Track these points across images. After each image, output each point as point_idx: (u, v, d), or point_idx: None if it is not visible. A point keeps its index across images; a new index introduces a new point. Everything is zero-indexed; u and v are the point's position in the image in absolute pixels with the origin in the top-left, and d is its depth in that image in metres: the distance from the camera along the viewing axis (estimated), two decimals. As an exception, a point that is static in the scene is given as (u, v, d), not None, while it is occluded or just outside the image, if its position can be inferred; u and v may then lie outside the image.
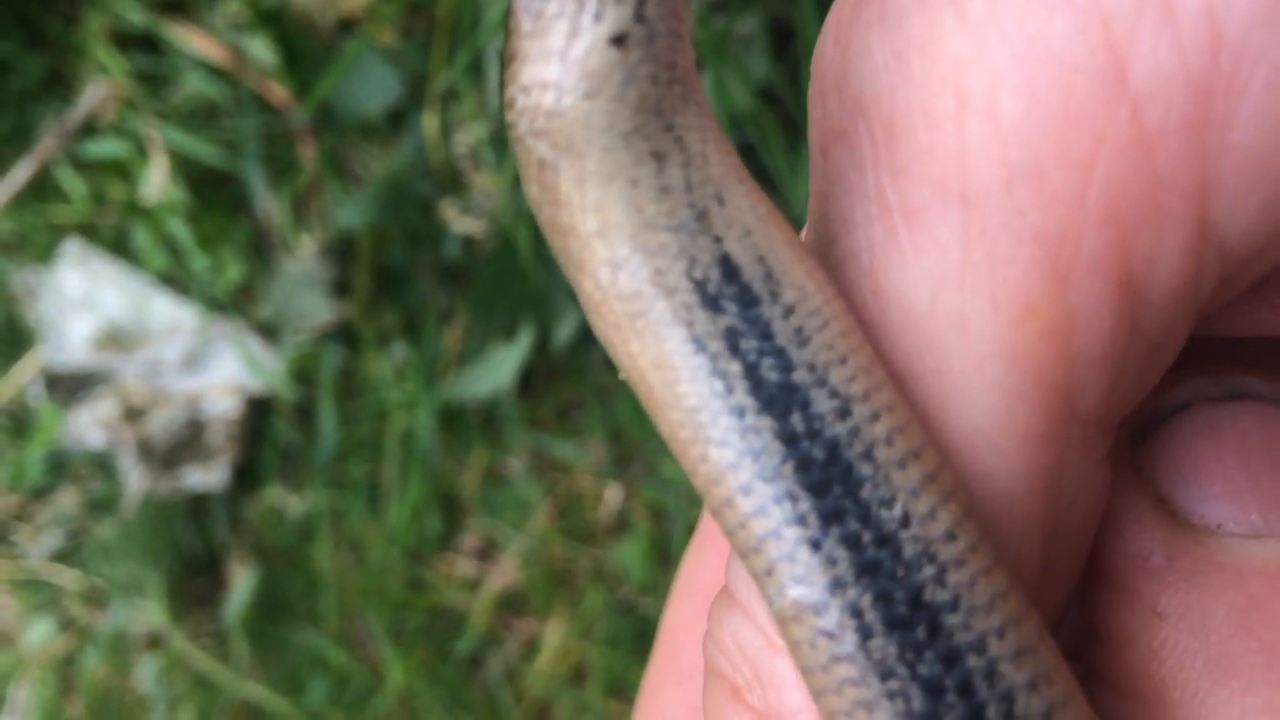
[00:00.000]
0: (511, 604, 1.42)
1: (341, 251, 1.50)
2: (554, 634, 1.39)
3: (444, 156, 1.43)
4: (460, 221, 1.43)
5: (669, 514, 1.37)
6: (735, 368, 0.22)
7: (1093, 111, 0.20)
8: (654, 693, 0.38)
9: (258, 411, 1.56)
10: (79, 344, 1.60)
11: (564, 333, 1.37)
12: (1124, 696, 0.24)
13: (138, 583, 1.52)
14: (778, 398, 0.22)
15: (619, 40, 0.22)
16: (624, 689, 1.36)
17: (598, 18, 0.22)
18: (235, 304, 1.56)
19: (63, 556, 1.66)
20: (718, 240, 0.22)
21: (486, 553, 1.45)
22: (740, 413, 0.22)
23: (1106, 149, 0.20)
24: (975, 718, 0.21)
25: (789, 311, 0.22)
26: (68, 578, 1.65)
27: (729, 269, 0.22)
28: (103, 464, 1.60)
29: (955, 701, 0.21)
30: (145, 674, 1.56)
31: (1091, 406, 0.22)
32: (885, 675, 0.21)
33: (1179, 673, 0.24)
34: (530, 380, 1.43)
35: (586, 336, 1.40)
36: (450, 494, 1.46)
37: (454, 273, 1.46)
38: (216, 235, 1.52)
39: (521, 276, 1.35)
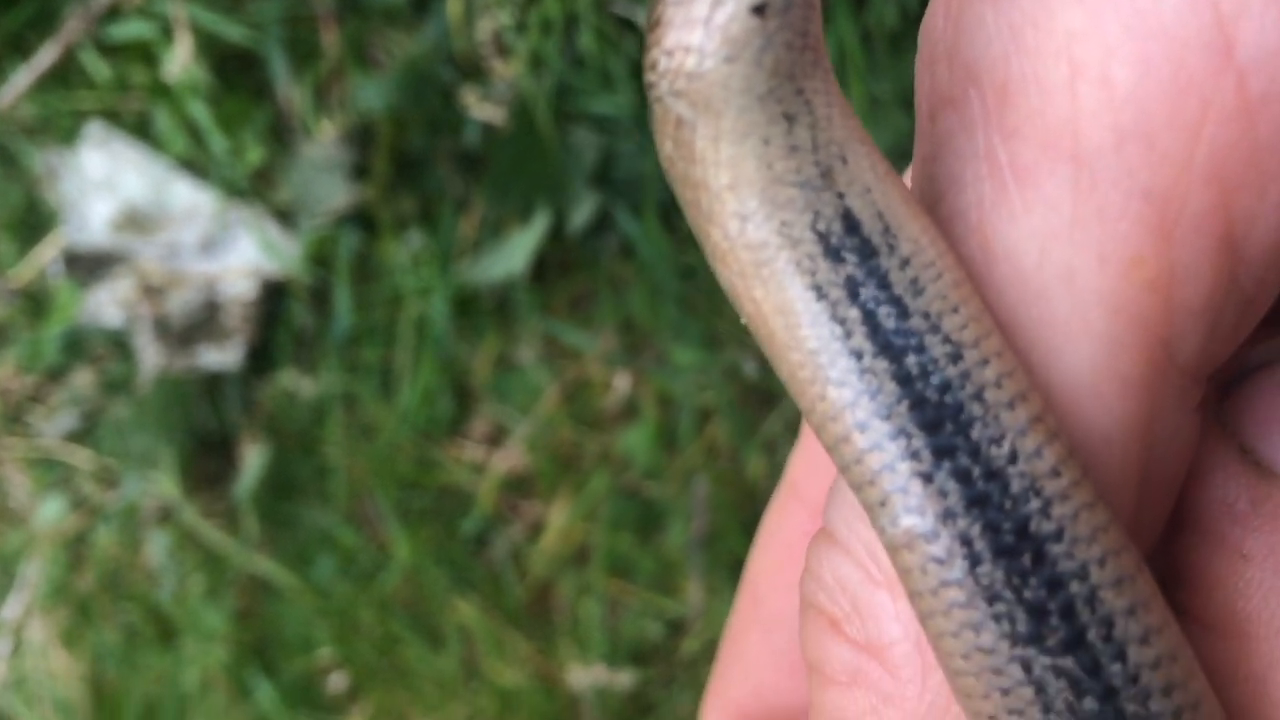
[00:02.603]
0: (518, 486, 1.45)
1: (361, 137, 1.51)
2: (558, 516, 1.42)
3: (466, 43, 1.44)
4: (480, 108, 1.44)
5: (676, 402, 1.39)
6: (854, 314, 0.23)
7: (1201, 80, 0.22)
8: (738, 639, 0.40)
9: (273, 295, 1.58)
10: (99, 225, 1.62)
11: (579, 218, 1.39)
12: (1209, 630, 0.26)
13: (150, 455, 1.55)
14: (893, 342, 0.23)
15: (760, 9, 0.23)
16: (625, 569, 1.39)
17: None
18: (254, 189, 1.58)
19: (76, 437, 1.69)
20: (840, 196, 0.24)
21: (496, 438, 1.48)
22: (858, 355, 0.23)
23: (1213, 115, 0.22)
24: (1076, 640, 0.22)
25: (905, 263, 0.23)
26: (81, 457, 1.67)
27: (850, 223, 0.23)
28: (119, 343, 1.62)
29: (1058, 624, 0.22)
30: (155, 548, 1.59)
31: (1189, 356, 0.24)
32: (992, 599, 0.22)
33: (1263, 609, 0.25)
34: (543, 269, 1.45)
35: (601, 224, 1.42)
36: (461, 382, 1.49)
37: (472, 160, 1.48)
38: (237, 117, 1.54)
39: (540, 157, 1.37)
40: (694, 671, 1.34)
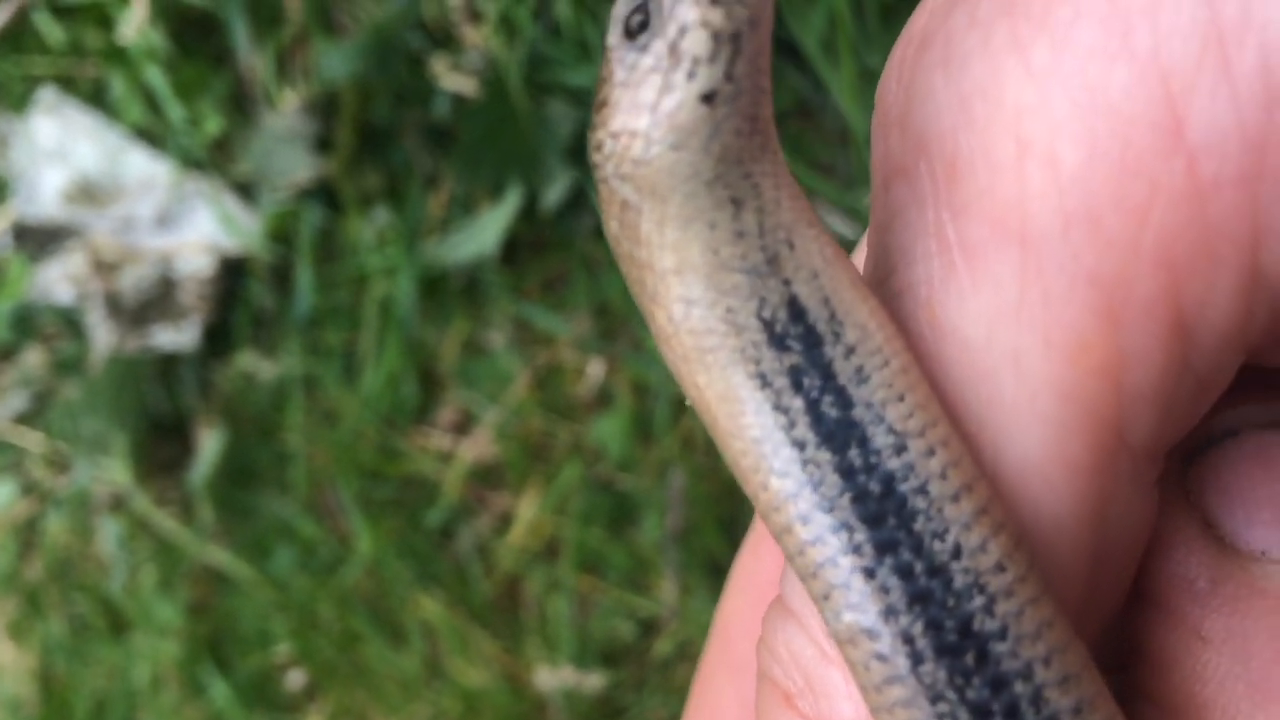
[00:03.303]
0: (485, 476, 1.38)
1: (325, 108, 1.44)
2: (528, 508, 1.35)
3: (437, 8, 1.37)
4: (450, 78, 1.37)
5: (652, 390, 1.32)
6: (798, 403, 0.23)
7: (1150, 162, 0.21)
8: (707, 683, 0.40)
9: (232, 273, 1.50)
10: (50, 196, 1.54)
11: (553, 195, 1.32)
12: (1165, 714, 0.25)
13: (102, 441, 1.47)
14: (837, 433, 0.23)
15: (709, 98, 0.23)
16: (596, 565, 1.32)
17: (690, 76, 0.23)
18: (212, 160, 1.50)
19: (27, 418, 1.61)
20: (786, 283, 0.23)
21: (463, 426, 1.41)
22: (801, 446, 0.23)
23: (1162, 198, 0.21)
24: None
25: (850, 351, 0.23)
26: (31, 440, 1.60)
27: (796, 310, 0.23)
28: (70, 321, 1.55)
29: None
30: (107, 536, 1.52)
31: (1141, 440, 0.23)
32: (935, 699, 0.22)
33: (1220, 695, 0.24)
34: (515, 250, 1.38)
35: (576, 202, 1.35)
36: (428, 367, 1.42)
37: (441, 133, 1.40)
38: (196, 84, 1.46)
39: (512, 130, 1.29)
40: (666, 674, 1.28)
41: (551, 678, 1.30)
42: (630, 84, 0.23)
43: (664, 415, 1.30)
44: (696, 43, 0.23)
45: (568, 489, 1.33)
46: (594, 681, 1.29)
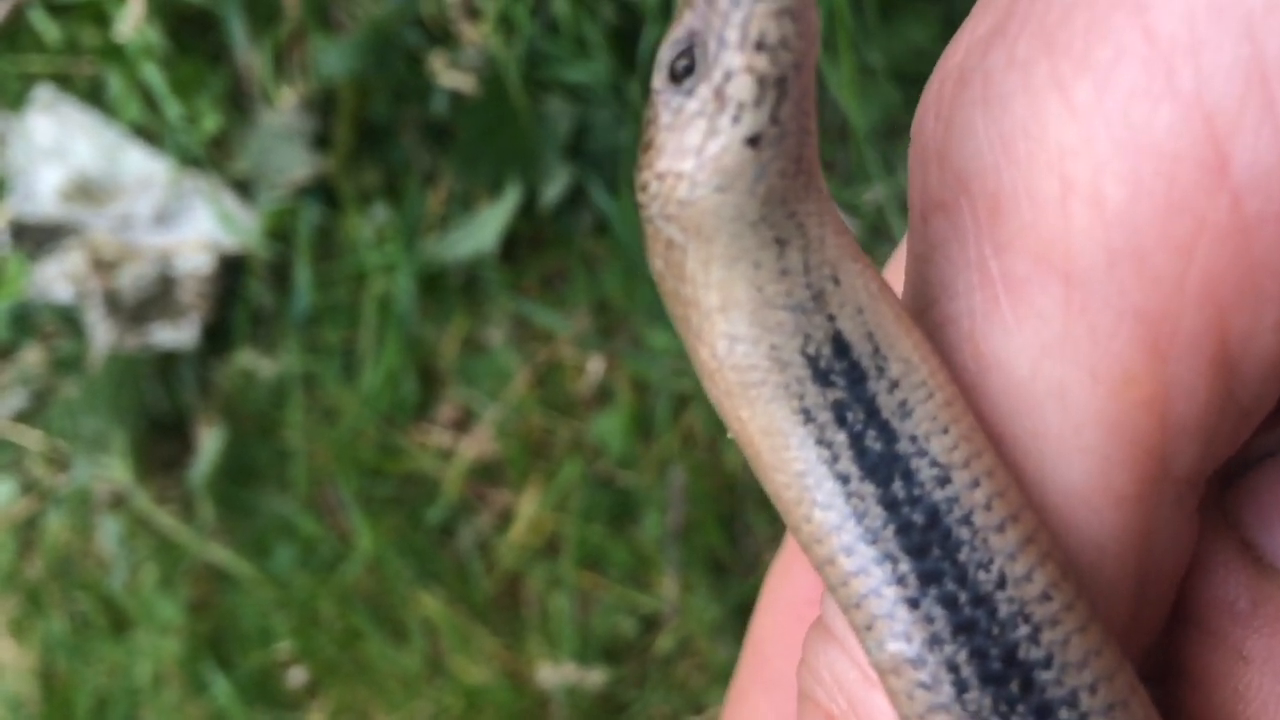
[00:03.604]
0: (486, 474, 1.38)
1: (323, 105, 1.43)
2: (528, 505, 1.35)
3: (434, 5, 1.36)
4: (448, 75, 1.37)
5: (652, 387, 1.32)
6: (841, 438, 0.23)
7: (1195, 199, 0.21)
8: (742, 697, 0.41)
9: (231, 271, 1.50)
10: (48, 194, 1.54)
11: (552, 192, 1.32)
12: None
13: (102, 439, 1.47)
14: (880, 466, 0.23)
15: (754, 141, 0.23)
16: (597, 562, 1.32)
17: (736, 120, 0.23)
18: (210, 158, 1.50)
19: (26, 417, 1.61)
20: (831, 319, 0.24)
21: (463, 424, 1.41)
22: (845, 479, 0.23)
23: (1207, 235, 0.21)
24: None
25: (894, 385, 0.23)
26: (31, 438, 1.60)
27: (840, 346, 0.24)
28: (69, 319, 1.55)
29: None
30: (107, 535, 1.52)
31: (1184, 468, 0.23)
32: None
33: (1262, 716, 0.24)
34: (514, 246, 1.38)
35: (575, 199, 1.34)
36: (428, 364, 1.42)
37: (440, 131, 1.40)
38: (193, 82, 1.46)
39: (511, 127, 1.29)
40: (668, 670, 1.28)
41: (553, 674, 1.30)
42: (675, 127, 0.24)
43: (664, 412, 1.30)
44: (742, 88, 0.23)
45: (568, 486, 1.33)
46: (595, 678, 1.29)
